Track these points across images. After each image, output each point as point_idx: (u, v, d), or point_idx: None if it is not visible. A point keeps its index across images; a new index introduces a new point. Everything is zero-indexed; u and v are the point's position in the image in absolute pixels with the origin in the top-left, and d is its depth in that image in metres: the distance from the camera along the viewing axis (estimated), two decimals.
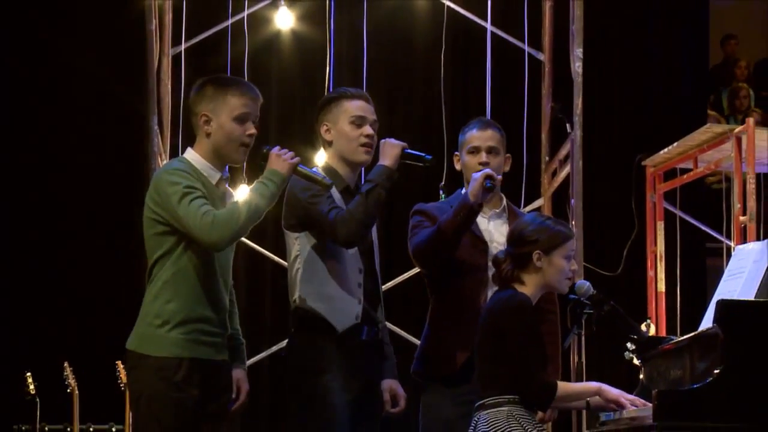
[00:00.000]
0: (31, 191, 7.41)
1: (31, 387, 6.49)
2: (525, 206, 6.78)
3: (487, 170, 4.34)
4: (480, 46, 7.14)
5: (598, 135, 7.26)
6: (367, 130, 4.28)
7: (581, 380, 4.15)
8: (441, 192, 5.31)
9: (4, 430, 6.76)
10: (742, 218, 6.00)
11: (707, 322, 3.89)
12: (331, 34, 7.15)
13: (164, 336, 3.87)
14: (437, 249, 4.33)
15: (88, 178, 7.42)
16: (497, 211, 4.55)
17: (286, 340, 4.43)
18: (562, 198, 6.85)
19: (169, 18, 6.95)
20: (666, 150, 6.64)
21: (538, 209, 7.02)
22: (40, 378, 6.54)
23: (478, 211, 4.34)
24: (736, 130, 6.16)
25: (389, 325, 6.83)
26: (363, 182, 4.24)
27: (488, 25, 7.08)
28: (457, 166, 4.62)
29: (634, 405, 3.88)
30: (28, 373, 6.52)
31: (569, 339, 4.41)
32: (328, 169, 4.29)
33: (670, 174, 6.87)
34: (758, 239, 5.65)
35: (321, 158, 4.63)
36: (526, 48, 7.07)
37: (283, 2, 7.35)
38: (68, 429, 6.46)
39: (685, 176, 6.75)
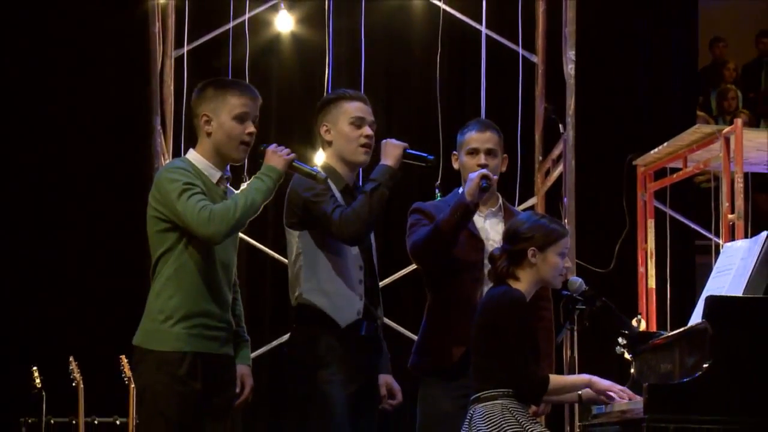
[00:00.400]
0: (37, 190, 7.40)
1: (38, 381, 6.49)
2: (519, 204, 6.78)
3: (483, 170, 4.34)
4: (475, 48, 7.14)
5: (590, 135, 7.25)
6: (366, 130, 4.29)
7: (574, 374, 4.15)
8: (437, 191, 5.31)
9: (12, 422, 6.76)
10: (730, 216, 6.00)
11: (696, 317, 3.89)
12: (330, 36, 7.15)
13: (168, 331, 3.87)
14: (435, 247, 4.33)
15: (93, 177, 7.41)
16: (493, 209, 4.55)
17: (288, 335, 4.42)
18: (555, 196, 6.85)
19: (171, 21, 6.95)
20: (656, 150, 6.64)
21: (532, 207, 7.02)
22: (46, 372, 6.53)
23: (475, 210, 4.34)
24: (725, 130, 6.16)
25: (386, 320, 6.86)
26: (366, 182, 4.24)
27: (483, 28, 7.08)
28: (455, 166, 4.62)
29: (623, 397, 3.89)
30: (35, 368, 6.52)
31: (562, 334, 4.41)
32: (328, 169, 4.29)
33: (661, 173, 6.87)
34: (746, 237, 5.65)
35: (320, 158, 4.63)
36: (520, 50, 7.07)
37: (283, 6, 7.35)
38: (73, 422, 6.46)
39: (674, 175, 6.75)
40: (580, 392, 3.94)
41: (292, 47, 7.53)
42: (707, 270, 4.44)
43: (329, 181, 4.21)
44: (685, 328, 3.86)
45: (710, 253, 6.83)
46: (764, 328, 3.58)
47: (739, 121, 6.23)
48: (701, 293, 4.08)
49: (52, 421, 6.62)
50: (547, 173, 7.02)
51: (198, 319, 3.90)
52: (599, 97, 7.71)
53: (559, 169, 6.65)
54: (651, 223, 6.84)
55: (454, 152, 4.62)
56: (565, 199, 6.48)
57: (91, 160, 7.41)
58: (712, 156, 6.34)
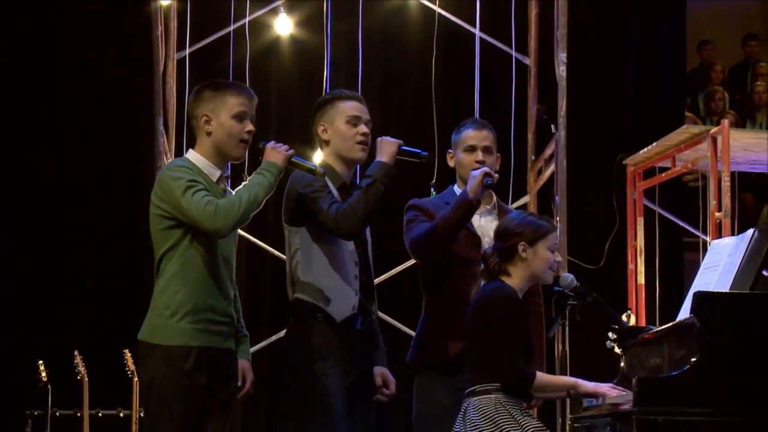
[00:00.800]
0: (43, 188, 7.39)
1: (43, 375, 6.48)
2: (512, 203, 6.78)
3: (486, 168, 4.34)
4: (469, 51, 7.14)
5: (581, 135, 7.25)
6: (362, 128, 4.29)
7: (566, 367, 4.14)
8: (432, 189, 5.30)
9: (18, 415, 6.75)
10: (717, 214, 6.00)
11: (684, 312, 3.89)
12: (328, 39, 7.14)
13: (174, 326, 3.86)
14: (436, 243, 4.32)
15: (97, 176, 7.41)
16: (488, 207, 4.55)
17: (285, 330, 4.41)
18: (548, 195, 6.85)
19: (174, 24, 6.95)
20: (645, 150, 6.64)
21: (525, 206, 7.02)
22: (52, 366, 6.53)
23: (477, 207, 4.35)
24: (712, 130, 6.16)
25: (382, 315, 6.85)
26: (361, 178, 4.23)
27: (477, 31, 7.08)
28: (451, 163, 4.61)
29: (611, 393, 3.89)
30: (41, 362, 6.52)
31: (554, 329, 4.40)
32: (325, 167, 4.28)
33: (650, 172, 6.87)
34: (733, 234, 5.65)
35: (318, 158, 4.62)
36: (513, 53, 7.07)
37: (282, 9, 7.35)
38: (78, 414, 6.45)
39: (663, 174, 6.75)
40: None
41: (292, 49, 7.53)
42: (695, 266, 4.44)
43: (327, 179, 4.21)
44: (674, 323, 3.86)
45: (698, 250, 6.83)
46: (750, 323, 3.58)
47: (726, 122, 6.23)
48: (689, 289, 4.08)
49: (57, 414, 6.61)
50: (540, 172, 7.02)
51: (203, 314, 3.90)
52: (590, 98, 7.71)
53: (551, 168, 6.65)
54: (640, 221, 6.85)
55: (449, 150, 4.61)
56: (557, 198, 6.48)
57: (95, 159, 7.40)
58: (700, 156, 6.34)
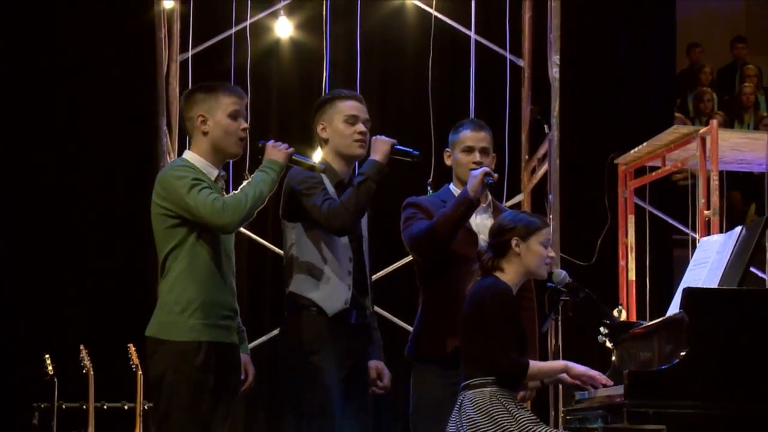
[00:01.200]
0: (50, 187, 7.39)
1: (50, 368, 6.47)
2: (506, 201, 6.77)
3: (485, 168, 4.34)
4: (465, 53, 7.13)
5: (573, 135, 7.25)
6: (360, 127, 4.28)
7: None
8: (428, 188, 5.29)
9: (25, 407, 6.75)
10: (706, 212, 6.01)
11: (674, 308, 3.89)
12: (327, 41, 7.13)
13: (184, 321, 3.85)
14: (436, 240, 4.31)
15: (103, 174, 7.40)
16: (484, 206, 4.53)
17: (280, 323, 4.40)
18: (541, 193, 6.85)
19: (177, 27, 6.94)
20: (636, 149, 6.64)
21: (519, 204, 7.02)
22: (58, 360, 6.52)
23: (477, 206, 4.34)
24: (701, 131, 6.16)
25: (380, 310, 6.85)
26: (355, 176, 4.23)
27: (472, 34, 7.08)
28: (448, 162, 4.60)
29: (595, 380, 3.89)
30: (47, 356, 6.51)
31: (547, 324, 4.41)
32: (324, 165, 4.27)
33: (640, 171, 6.88)
34: (721, 232, 5.65)
35: (317, 157, 4.61)
36: (508, 55, 7.07)
37: (282, 12, 7.35)
38: (84, 407, 6.44)
39: (653, 173, 6.75)
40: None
41: (292, 51, 7.52)
42: (684, 263, 4.44)
43: (323, 176, 4.20)
44: (664, 318, 3.86)
45: (687, 247, 6.83)
46: (738, 318, 3.58)
47: (714, 122, 6.23)
48: (679, 285, 4.08)
49: (63, 406, 6.60)
50: (533, 171, 7.02)
51: (212, 309, 3.89)
52: (582, 99, 7.71)
53: (545, 167, 6.64)
54: (631, 219, 6.85)
55: (447, 149, 4.60)
56: (550, 196, 6.47)
57: (101, 159, 7.39)
58: (689, 155, 6.34)
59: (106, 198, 7.34)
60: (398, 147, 4.27)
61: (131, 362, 6.26)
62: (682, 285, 3.96)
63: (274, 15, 7.34)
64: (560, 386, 4.50)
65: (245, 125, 4.01)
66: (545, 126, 6.52)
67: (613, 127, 7.80)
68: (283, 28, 7.42)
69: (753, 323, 3.56)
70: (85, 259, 7.33)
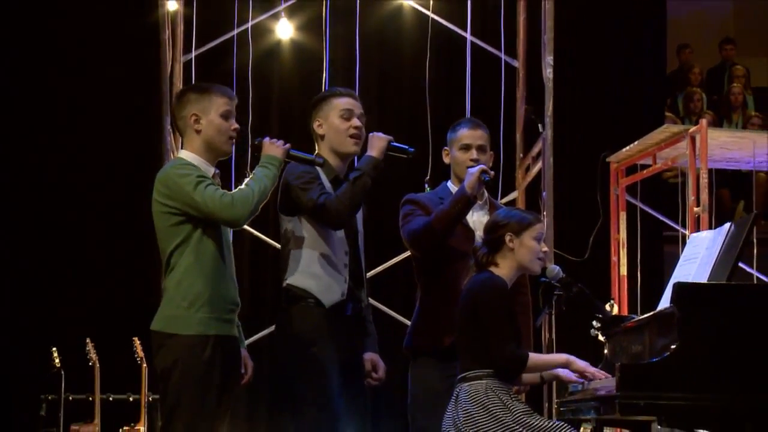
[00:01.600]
0: (57, 184, 7.38)
1: (57, 361, 6.48)
2: (502, 198, 6.78)
3: (482, 165, 4.34)
4: (461, 54, 7.13)
5: (567, 134, 7.25)
6: (355, 122, 4.28)
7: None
8: (426, 185, 5.29)
9: (33, 399, 6.75)
10: (695, 209, 6.01)
11: (665, 302, 3.89)
12: (327, 43, 7.13)
13: (192, 316, 3.84)
14: (434, 235, 4.31)
15: (108, 172, 7.39)
16: (480, 203, 4.54)
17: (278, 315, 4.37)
18: (535, 191, 6.85)
19: (180, 29, 6.94)
20: (628, 148, 6.64)
21: (514, 201, 7.02)
22: (65, 353, 6.52)
23: (474, 202, 4.34)
24: (691, 130, 6.16)
25: (379, 304, 6.85)
26: (352, 171, 4.22)
27: (468, 35, 7.08)
28: (446, 160, 4.60)
29: (595, 377, 3.90)
30: (54, 349, 6.51)
31: (541, 318, 4.41)
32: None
33: (632, 169, 6.87)
34: (710, 228, 5.65)
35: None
36: (503, 56, 7.07)
37: (283, 14, 7.34)
38: (90, 398, 6.44)
39: (644, 171, 6.75)
40: (542, 373, 3.97)
41: (292, 52, 7.52)
42: (674, 258, 4.44)
43: (320, 171, 4.20)
44: (654, 312, 3.86)
45: (677, 243, 6.83)
46: (727, 312, 3.58)
47: (704, 122, 6.23)
48: (669, 280, 4.08)
49: (70, 398, 6.60)
50: (527, 169, 7.02)
51: (218, 304, 3.89)
52: (575, 99, 7.71)
53: (539, 165, 6.64)
54: (623, 216, 6.85)
55: (445, 148, 4.60)
56: (544, 193, 6.47)
57: (106, 157, 7.38)
58: (679, 153, 6.34)
59: (112, 196, 7.34)
60: (394, 144, 4.27)
61: (136, 355, 6.27)
62: (673, 280, 3.96)
63: (276, 17, 7.34)
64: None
65: (236, 126, 4.02)
66: (539, 125, 6.52)
67: (605, 127, 7.79)
68: (284, 30, 7.41)
69: (741, 317, 3.56)
70: (91, 257, 7.33)
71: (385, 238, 6.53)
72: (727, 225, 3.92)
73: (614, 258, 6.84)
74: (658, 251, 7.83)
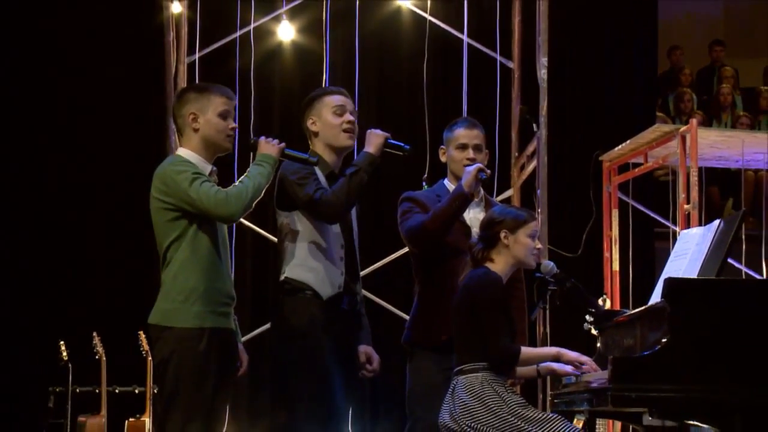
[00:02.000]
0: (63, 183, 7.38)
1: (64, 354, 6.47)
2: (497, 196, 6.77)
3: (479, 164, 4.34)
4: (458, 55, 7.13)
5: (561, 133, 7.25)
6: (348, 117, 4.29)
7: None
8: (424, 183, 5.29)
9: (41, 392, 6.74)
10: (686, 206, 6.01)
11: (656, 297, 3.89)
12: (327, 44, 7.13)
13: (188, 309, 3.84)
14: (432, 232, 4.31)
15: (113, 171, 7.39)
16: (476, 200, 4.54)
17: (274, 307, 4.33)
18: (530, 189, 6.85)
19: (184, 31, 6.94)
20: (620, 147, 6.64)
21: (509, 199, 7.02)
22: (72, 346, 6.52)
23: (471, 200, 4.34)
24: (681, 129, 6.17)
25: (378, 300, 6.86)
26: (348, 167, 4.22)
27: (465, 37, 7.08)
28: (443, 159, 4.60)
29: (588, 369, 3.90)
30: (62, 342, 6.51)
31: (536, 312, 4.41)
32: (315, 157, 4.26)
33: (624, 168, 6.88)
34: (700, 224, 5.66)
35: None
36: (498, 57, 7.07)
37: (285, 17, 7.34)
38: (97, 391, 6.44)
39: (636, 170, 6.76)
40: (537, 367, 3.98)
41: (293, 54, 7.52)
42: (665, 255, 4.44)
43: (316, 167, 4.20)
44: (646, 306, 3.86)
45: (668, 239, 6.84)
46: (716, 306, 3.58)
47: (694, 121, 6.24)
48: (660, 275, 4.08)
49: (77, 390, 6.60)
50: (522, 168, 7.02)
51: (213, 297, 3.89)
52: (569, 99, 7.72)
53: (533, 164, 6.65)
54: (615, 213, 6.86)
55: (442, 147, 4.60)
56: (539, 191, 6.48)
57: (111, 156, 7.38)
58: (670, 152, 6.35)
59: (117, 194, 7.33)
60: (391, 141, 4.28)
61: (141, 348, 6.26)
62: (664, 275, 3.97)
63: (277, 19, 7.34)
64: None
65: (234, 125, 4.02)
66: (534, 125, 6.53)
67: (598, 126, 7.80)
68: (286, 32, 7.41)
69: (730, 311, 3.56)
70: (98, 255, 7.33)
71: (384, 235, 6.53)
72: (717, 222, 3.92)
73: (607, 254, 6.85)
74: (649, 247, 7.84)
